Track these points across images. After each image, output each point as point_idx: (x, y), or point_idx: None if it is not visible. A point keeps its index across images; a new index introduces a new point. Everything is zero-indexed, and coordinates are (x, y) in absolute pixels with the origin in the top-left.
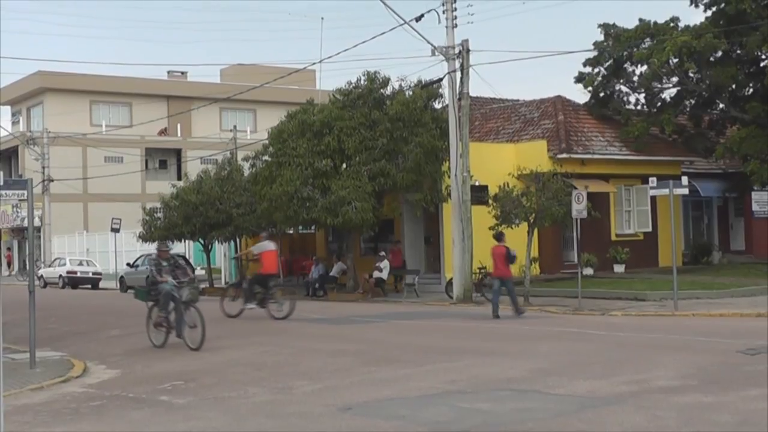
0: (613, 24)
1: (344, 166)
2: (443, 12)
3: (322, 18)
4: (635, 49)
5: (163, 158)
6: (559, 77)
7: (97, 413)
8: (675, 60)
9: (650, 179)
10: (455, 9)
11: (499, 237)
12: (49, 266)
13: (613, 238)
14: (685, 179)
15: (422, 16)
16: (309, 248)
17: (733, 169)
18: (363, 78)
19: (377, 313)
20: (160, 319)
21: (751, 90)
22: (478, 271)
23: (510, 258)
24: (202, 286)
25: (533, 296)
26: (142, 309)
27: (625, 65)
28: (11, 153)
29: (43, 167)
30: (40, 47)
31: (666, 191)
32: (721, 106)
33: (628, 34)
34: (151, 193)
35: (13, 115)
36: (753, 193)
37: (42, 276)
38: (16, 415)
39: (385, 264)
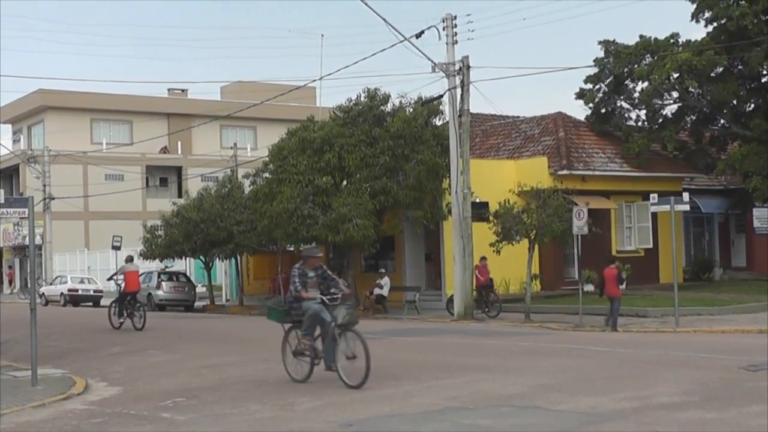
0: (614, 40)
1: (345, 183)
2: (443, 29)
3: (323, 35)
4: (636, 66)
5: (164, 176)
6: (559, 94)
7: (99, 430)
8: (676, 76)
9: (651, 195)
10: (455, 26)
11: (611, 260)
12: (51, 284)
13: (615, 254)
14: (686, 195)
15: (422, 32)
16: None
17: (735, 185)
18: (363, 95)
19: (378, 330)
20: (303, 346)
21: (753, 106)
22: (478, 287)
23: (620, 280)
24: (203, 303)
25: (534, 313)
26: (146, 325)
27: (626, 82)
28: (12, 171)
29: (44, 185)
30: (40, 66)
31: (667, 207)
32: (723, 122)
33: (629, 50)
34: (152, 211)
35: (14, 133)
36: (754, 210)
37: (43, 294)
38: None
39: (386, 281)
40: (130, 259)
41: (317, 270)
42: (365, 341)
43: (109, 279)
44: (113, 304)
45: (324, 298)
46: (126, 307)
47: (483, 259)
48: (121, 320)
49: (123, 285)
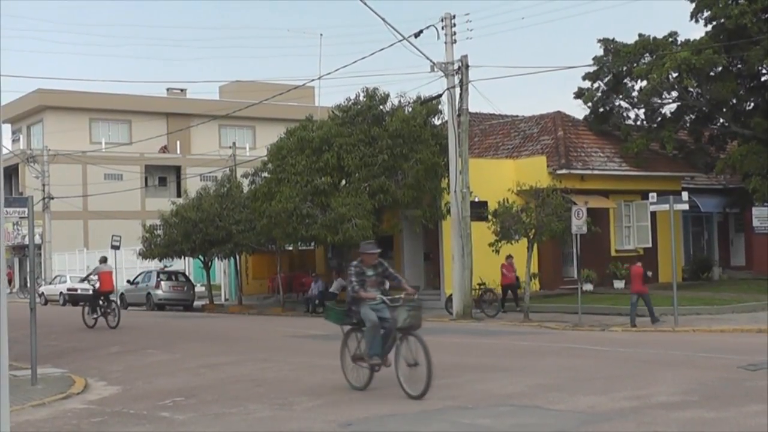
0: (613, 39)
1: (343, 182)
2: (442, 28)
3: (321, 34)
4: (635, 65)
5: (163, 175)
6: (558, 93)
7: (98, 429)
8: (675, 75)
9: (650, 195)
10: (454, 25)
11: (637, 258)
12: (50, 283)
13: (613, 253)
14: (685, 195)
15: (421, 32)
16: (308, 265)
17: (734, 184)
18: (362, 94)
19: None
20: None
21: (752, 105)
22: (477, 287)
23: (646, 277)
24: (202, 303)
25: (533, 312)
26: (143, 324)
27: (625, 80)
28: (11, 171)
29: (44, 185)
30: (39, 65)
31: (666, 207)
32: (722, 121)
33: (628, 49)
34: (151, 210)
35: (14, 133)
36: (753, 209)
37: (43, 293)
38: (10, 426)
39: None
40: (103, 260)
41: (376, 267)
42: (427, 347)
43: (83, 280)
44: (86, 304)
45: (385, 298)
46: (100, 306)
47: (509, 257)
48: (95, 317)
49: (97, 285)
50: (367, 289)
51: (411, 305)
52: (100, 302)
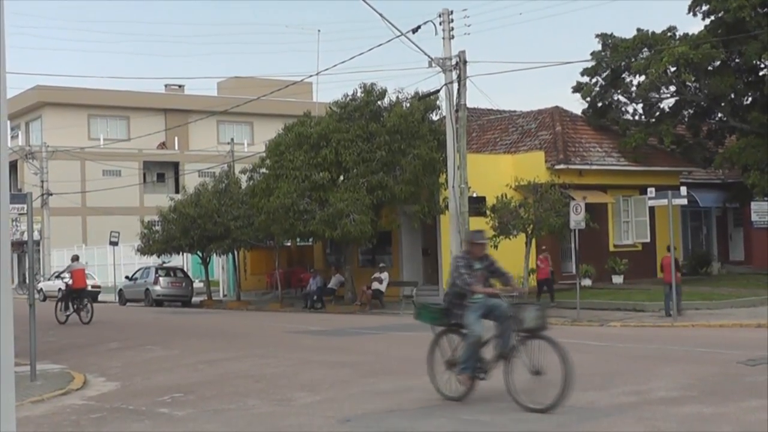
0: (611, 34)
1: (342, 178)
2: (440, 23)
3: (319, 30)
4: (633, 60)
5: (161, 171)
6: (556, 88)
7: (97, 425)
8: (673, 70)
9: (648, 190)
10: (452, 20)
11: (668, 248)
12: (49, 280)
13: (612, 248)
14: (683, 189)
15: (419, 27)
16: (307, 260)
17: (732, 179)
18: (360, 90)
19: (376, 325)
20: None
21: (750, 99)
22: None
23: (678, 266)
24: (200, 299)
25: None
26: (142, 320)
27: (623, 75)
28: (10, 167)
29: (42, 181)
30: (38, 62)
31: (664, 201)
32: (720, 115)
33: (626, 44)
34: (149, 207)
35: (12, 129)
36: (752, 203)
37: (41, 289)
38: (18, 428)
39: (385, 276)
40: (76, 258)
41: (483, 260)
42: (564, 350)
43: (58, 276)
44: (59, 301)
45: (500, 292)
46: (73, 303)
47: (544, 250)
48: (67, 314)
49: (70, 282)
50: (477, 285)
51: (539, 304)
52: (73, 299)
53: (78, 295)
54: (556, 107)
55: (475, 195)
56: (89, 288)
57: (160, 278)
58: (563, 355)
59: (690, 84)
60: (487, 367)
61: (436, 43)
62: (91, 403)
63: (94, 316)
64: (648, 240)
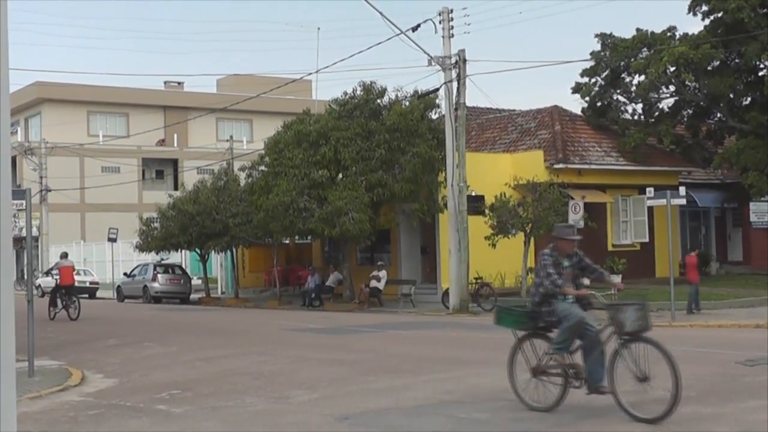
0: (611, 34)
1: (340, 176)
2: (440, 22)
3: (319, 28)
4: (632, 59)
5: (160, 168)
6: (555, 87)
7: (95, 422)
8: (672, 70)
9: (647, 189)
10: (452, 19)
11: (692, 248)
12: (47, 276)
13: (610, 248)
14: (682, 189)
15: (419, 26)
16: (305, 258)
17: (731, 179)
18: (359, 88)
19: (374, 324)
20: (555, 362)
21: (750, 99)
22: (474, 281)
23: (700, 267)
24: (198, 296)
25: None
26: (140, 317)
27: (623, 75)
28: (10, 163)
29: (41, 177)
30: (37, 58)
31: (663, 201)
32: (719, 116)
33: (625, 44)
34: (148, 203)
35: (12, 125)
36: (751, 204)
37: (40, 285)
38: (17, 424)
39: (383, 274)
40: (64, 256)
41: (572, 257)
42: (670, 353)
43: (46, 273)
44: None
45: (596, 293)
46: (61, 299)
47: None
48: (56, 311)
49: (58, 279)
50: (566, 284)
51: (639, 304)
52: (62, 295)
53: (66, 292)
54: (556, 106)
55: (474, 194)
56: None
57: (159, 275)
58: (670, 359)
59: (689, 84)
60: (582, 375)
61: (435, 42)
62: (89, 399)
63: (81, 312)
64: (647, 240)
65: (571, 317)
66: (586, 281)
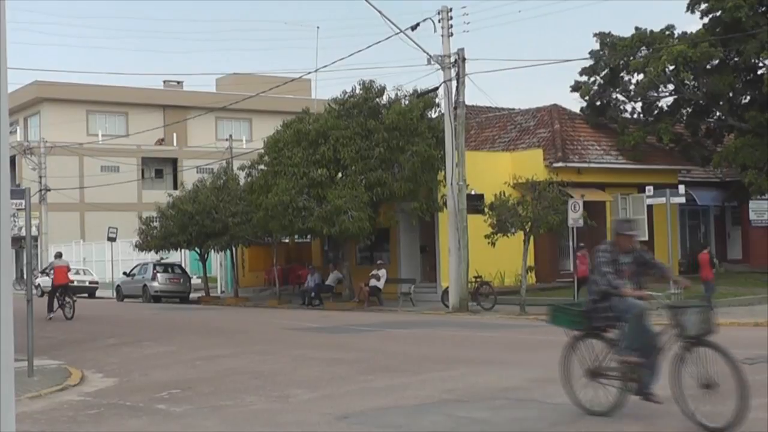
0: (609, 33)
1: (340, 175)
2: (439, 21)
3: (318, 27)
4: (631, 58)
5: (160, 167)
6: (555, 86)
7: (95, 421)
8: (671, 68)
9: (647, 188)
10: (451, 18)
11: (704, 246)
12: (47, 275)
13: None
14: (681, 188)
15: (418, 25)
16: (305, 257)
17: (731, 177)
18: (359, 87)
19: (373, 322)
20: (620, 366)
21: (749, 98)
22: (474, 280)
23: (712, 263)
24: (198, 295)
25: (529, 305)
26: (140, 316)
27: (622, 74)
28: (9, 162)
29: (40, 177)
30: (36, 57)
31: (663, 200)
32: (718, 114)
33: (624, 42)
34: (148, 203)
35: (11, 124)
36: (750, 202)
37: (39, 285)
38: (15, 423)
39: (383, 273)
40: (59, 255)
41: (631, 253)
42: (734, 358)
43: (43, 272)
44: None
45: (656, 294)
46: (57, 299)
47: (582, 247)
48: (50, 315)
49: (53, 279)
50: (625, 283)
51: (703, 306)
52: (57, 295)
53: (62, 292)
54: (555, 105)
55: (473, 192)
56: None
57: (158, 274)
58: (735, 365)
59: (688, 83)
60: (641, 377)
61: (435, 41)
62: (89, 399)
63: (78, 312)
64: (646, 238)
65: (631, 308)
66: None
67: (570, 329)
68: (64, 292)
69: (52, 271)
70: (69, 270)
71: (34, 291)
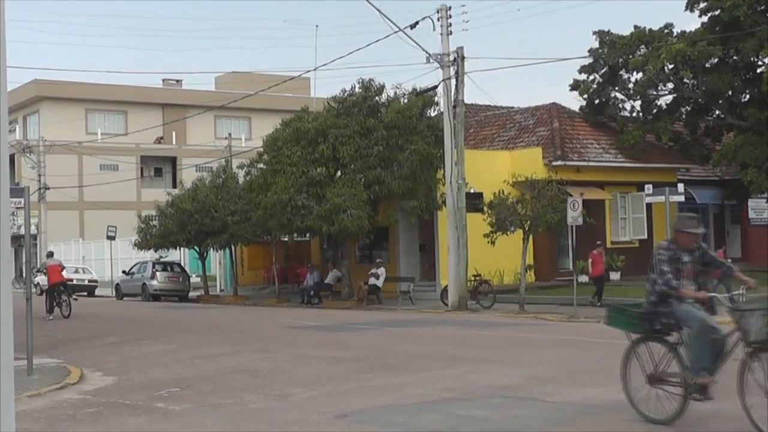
0: (608, 31)
1: (339, 173)
2: (438, 19)
3: (317, 26)
4: (630, 56)
5: (159, 166)
6: (554, 84)
7: (94, 420)
8: (670, 67)
9: (646, 186)
10: (450, 16)
11: (717, 246)
12: (43, 274)
13: (609, 245)
14: (681, 186)
15: (417, 23)
16: (304, 255)
17: (730, 176)
18: (358, 86)
19: (372, 321)
20: (676, 370)
21: (748, 96)
22: (473, 278)
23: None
24: (197, 293)
25: (528, 304)
26: (139, 314)
27: (621, 72)
28: (8, 161)
29: (40, 175)
30: (36, 56)
31: (662, 198)
32: (718, 112)
33: (623, 41)
34: (147, 201)
35: (10, 123)
36: (750, 201)
37: (38, 283)
38: (15, 422)
39: (382, 271)
40: (50, 255)
41: (693, 252)
42: None
43: (38, 272)
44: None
45: (718, 296)
46: (54, 298)
47: (599, 245)
48: (49, 317)
49: (47, 279)
50: (685, 284)
51: (763, 309)
52: (54, 294)
53: (58, 291)
54: (554, 104)
55: (472, 191)
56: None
57: (157, 273)
58: None
59: (687, 81)
60: (709, 388)
61: (434, 39)
62: (88, 397)
63: (78, 310)
64: (645, 237)
65: (692, 322)
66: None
67: (629, 332)
68: (62, 290)
69: (45, 271)
70: (63, 268)
71: (33, 289)
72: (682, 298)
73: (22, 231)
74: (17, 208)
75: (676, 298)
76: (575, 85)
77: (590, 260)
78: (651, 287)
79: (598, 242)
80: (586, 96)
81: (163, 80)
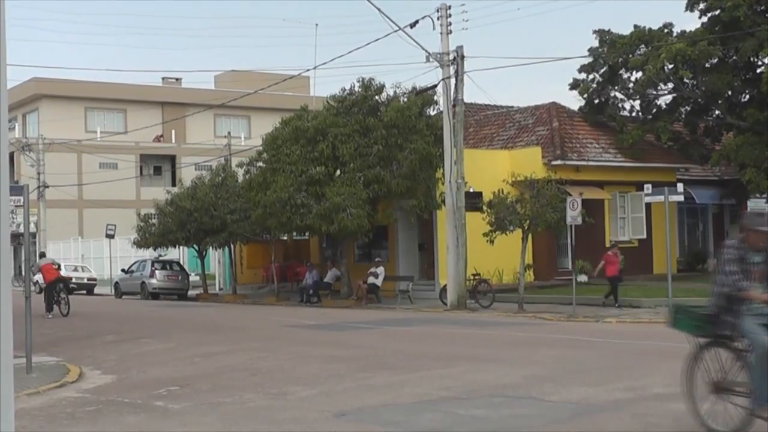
0: (608, 30)
1: (338, 172)
2: (438, 18)
3: (317, 24)
4: (630, 56)
5: (158, 164)
6: (553, 84)
7: (93, 418)
8: (670, 66)
9: (645, 186)
10: (450, 15)
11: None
12: (40, 273)
13: (608, 245)
14: (680, 186)
15: (417, 22)
16: (303, 254)
17: (729, 176)
18: (357, 85)
19: (371, 320)
20: (742, 378)
21: (748, 96)
22: (472, 277)
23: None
24: (196, 292)
25: (527, 303)
26: (138, 313)
27: (620, 72)
28: (8, 159)
29: (39, 173)
30: (35, 54)
31: (661, 198)
32: (717, 112)
33: (623, 40)
34: (146, 200)
35: (9, 121)
36: (749, 201)
37: (37, 282)
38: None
39: (381, 270)
40: (42, 255)
41: (763, 252)
42: None
43: (35, 274)
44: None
45: None
46: (53, 296)
47: (614, 246)
48: (48, 316)
49: (43, 279)
50: (756, 285)
51: None
52: (54, 293)
53: (57, 288)
54: (553, 103)
55: (471, 190)
56: (73, 280)
57: (157, 271)
58: None
59: (687, 81)
60: None
61: (434, 39)
62: (87, 395)
63: (77, 308)
64: (644, 236)
65: (756, 347)
66: None
67: (693, 335)
68: (61, 288)
69: (40, 272)
70: (58, 266)
71: (33, 287)
72: (748, 302)
73: (22, 229)
74: (16, 206)
75: (743, 302)
76: (575, 85)
77: (604, 261)
78: (716, 288)
79: (613, 242)
80: (585, 95)
81: (163, 79)
